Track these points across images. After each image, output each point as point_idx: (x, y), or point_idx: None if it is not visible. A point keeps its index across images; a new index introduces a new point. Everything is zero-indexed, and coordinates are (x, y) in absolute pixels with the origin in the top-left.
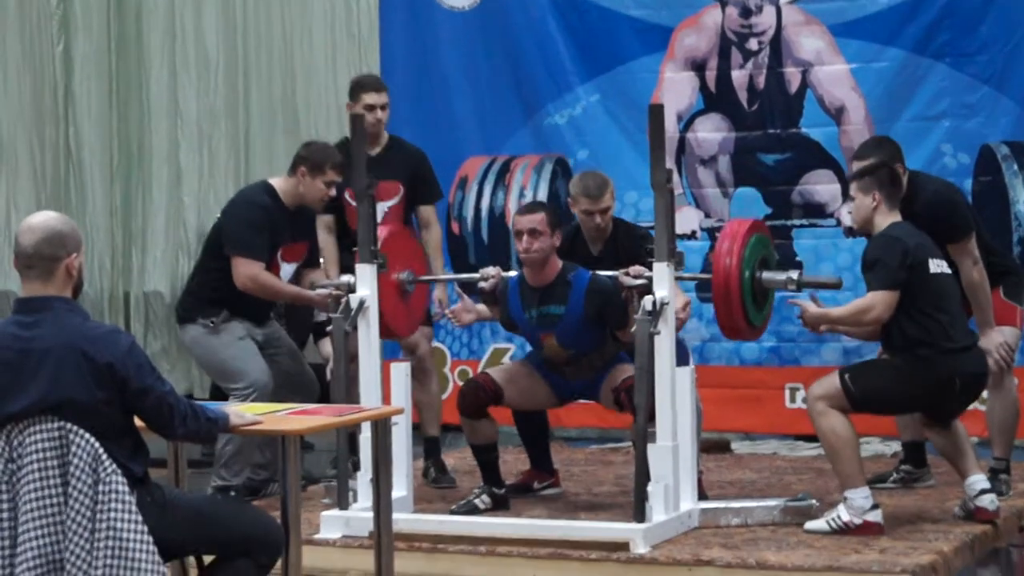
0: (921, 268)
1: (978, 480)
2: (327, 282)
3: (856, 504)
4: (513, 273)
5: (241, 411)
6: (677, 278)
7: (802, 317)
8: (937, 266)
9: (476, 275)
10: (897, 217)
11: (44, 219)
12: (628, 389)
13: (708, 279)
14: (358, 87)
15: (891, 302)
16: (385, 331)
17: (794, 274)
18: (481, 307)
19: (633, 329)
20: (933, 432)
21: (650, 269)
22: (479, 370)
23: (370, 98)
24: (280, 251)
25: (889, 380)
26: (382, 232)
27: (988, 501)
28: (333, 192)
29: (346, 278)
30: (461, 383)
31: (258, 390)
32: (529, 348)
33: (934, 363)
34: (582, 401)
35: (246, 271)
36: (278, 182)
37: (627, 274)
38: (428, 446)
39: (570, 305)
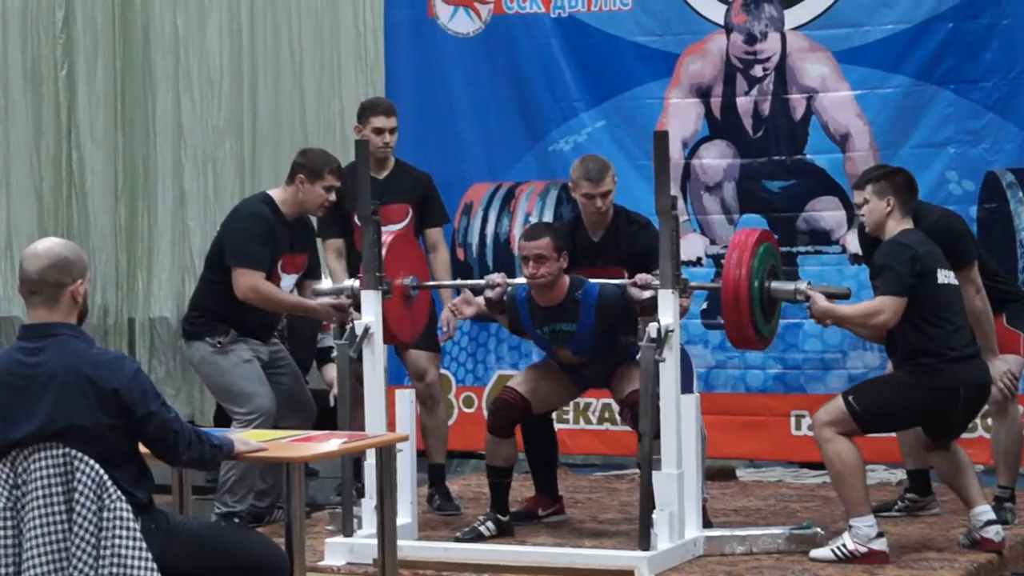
0: (929, 277)
1: (984, 511)
2: (327, 288)
3: (861, 532)
4: (520, 280)
5: (245, 438)
6: (688, 287)
7: (810, 308)
8: (945, 276)
9: (481, 281)
10: (909, 224)
11: (49, 245)
12: (632, 405)
13: (717, 288)
14: (367, 110)
15: (899, 308)
16: (389, 337)
17: (802, 284)
18: (481, 300)
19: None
20: (936, 456)
21: (653, 264)
22: (484, 397)
23: (379, 121)
24: (280, 262)
25: (892, 393)
26: (386, 238)
27: (994, 532)
28: (333, 197)
29: (348, 283)
30: (467, 410)
31: (262, 415)
32: (536, 358)
33: (937, 372)
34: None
35: (246, 282)
36: (277, 193)
37: (635, 285)
38: (433, 473)
39: (581, 322)
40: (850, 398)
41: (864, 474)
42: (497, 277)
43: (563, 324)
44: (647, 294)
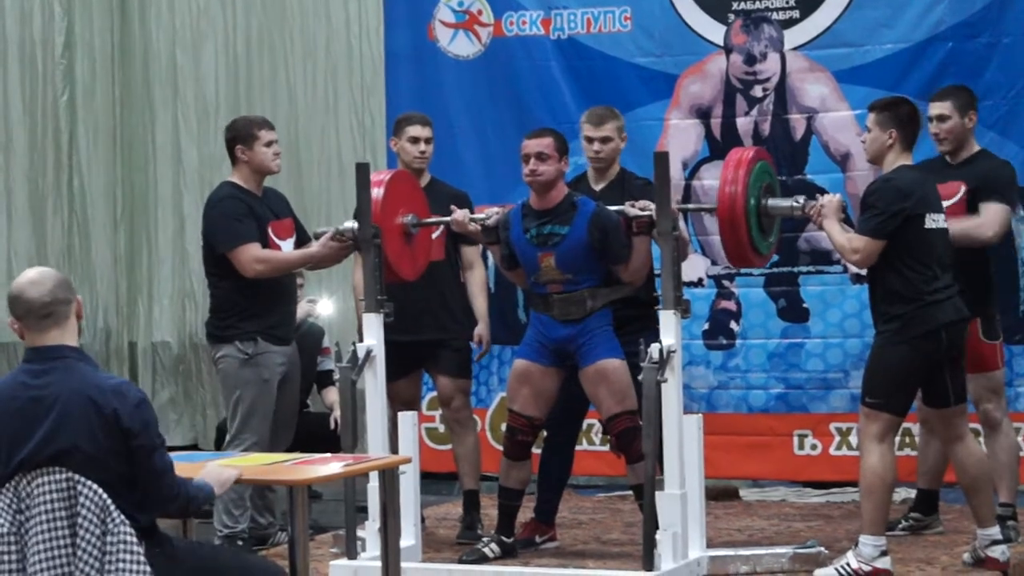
0: (916, 221)
1: (993, 533)
2: (324, 229)
3: (865, 552)
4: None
5: (221, 465)
6: (680, 208)
7: (813, 209)
8: (933, 221)
9: (481, 215)
10: (909, 159)
11: (40, 271)
12: (620, 434)
13: (713, 208)
14: (402, 121)
15: (874, 250)
16: (390, 273)
17: (800, 200)
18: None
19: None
20: (957, 452)
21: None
22: (487, 420)
23: (414, 130)
24: (270, 230)
25: (886, 364)
26: (383, 176)
27: (999, 552)
28: (279, 149)
29: (349, 224)
30: None
31: (252, 443)
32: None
33: (913, 319)
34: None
35: (246, 257)
36: (234, 177)
37: (633, 205)
38: (465, 499)
39: (574, 226)
40: (866, 399)
41: (890, 494)
42: (493, 208)
43: (555, 226)
44: (643, 213)
